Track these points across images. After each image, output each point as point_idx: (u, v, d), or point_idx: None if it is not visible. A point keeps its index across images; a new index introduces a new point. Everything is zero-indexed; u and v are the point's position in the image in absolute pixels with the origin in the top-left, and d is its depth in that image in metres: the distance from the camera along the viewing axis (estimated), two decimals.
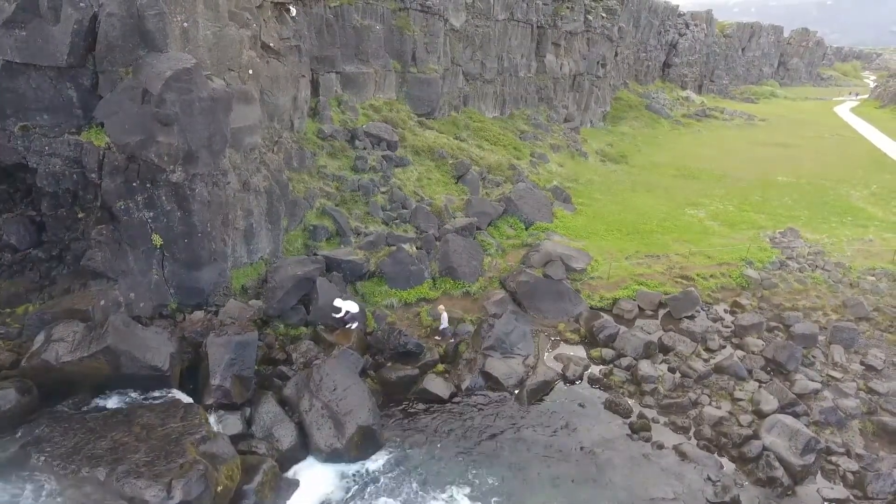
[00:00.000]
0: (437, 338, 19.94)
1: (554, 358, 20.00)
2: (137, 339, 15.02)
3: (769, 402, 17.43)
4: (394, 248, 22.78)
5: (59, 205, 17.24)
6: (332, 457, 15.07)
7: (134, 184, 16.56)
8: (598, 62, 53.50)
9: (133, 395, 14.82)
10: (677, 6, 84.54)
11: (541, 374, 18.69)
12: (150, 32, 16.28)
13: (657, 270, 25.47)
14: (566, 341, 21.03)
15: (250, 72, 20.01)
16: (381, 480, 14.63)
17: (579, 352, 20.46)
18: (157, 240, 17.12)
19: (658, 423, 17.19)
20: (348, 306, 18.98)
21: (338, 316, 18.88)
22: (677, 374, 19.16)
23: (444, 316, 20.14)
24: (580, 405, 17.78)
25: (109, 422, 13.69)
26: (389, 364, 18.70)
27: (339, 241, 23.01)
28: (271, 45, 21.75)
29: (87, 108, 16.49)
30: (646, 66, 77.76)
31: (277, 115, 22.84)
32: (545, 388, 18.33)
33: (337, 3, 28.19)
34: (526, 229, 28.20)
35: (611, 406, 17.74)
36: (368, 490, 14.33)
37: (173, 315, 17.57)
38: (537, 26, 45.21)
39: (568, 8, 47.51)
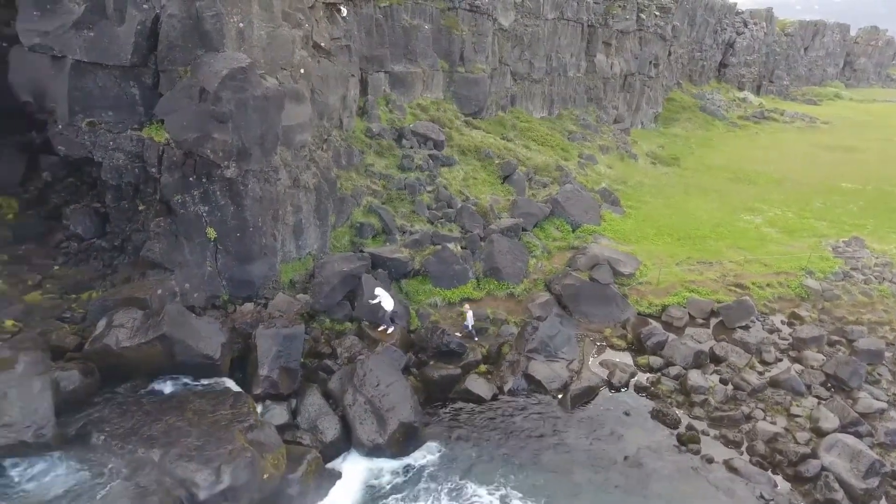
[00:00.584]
0: (457, 334, 19.82)
1: (599, 363, 19.62)
2: (191, 328, 15.55)
3: (829, 421, 16.56)
4: (438, 247, 22.84)
5: (121, 197, 18.08)
6: (373, 451, 15.21)
7: (191, 178, 17.17)
8: (650, 62, 52.26)
9: (186, 381, 15.33)
10: (735, 4, 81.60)
11: (585, 380, 18.39)
12: (207, 33, 16.85)
13: (709, 278, 24.62)
14: (612, 347, 20.59)
15: (302, 71, 20.45)
16: (422, 478, 14.65)
17: (626, 358, 19.99)
18: (212, 233, 17.69)
19: (708, 435, 16.59)
20: (384, 298, 18.88)
21: (373, 302, 18.80)
22: (729, 386, 18.44)
23: (470, 314, 20.01)
24: (626, 413, 17.37)
25: (164, 406, 14.23)
26: (432, 363, 18.71)
27: (385, 238, 23.24)
28: (322, 44, 22.18)
29: (149, 105, 17.21)
30: (700, 65, 75.41)
31: (327, 114, 23.27)
32: (589, 394, 18.01)
33: (387, 4, 28.52)
34: (573, 231, 27.77)
35: (658, 416, 17.24)
36: (408, 486, 14.37)
37: (225, 306, 18.11)
38: (588, 25, 44.53)
39: (620, 6, 46.61)
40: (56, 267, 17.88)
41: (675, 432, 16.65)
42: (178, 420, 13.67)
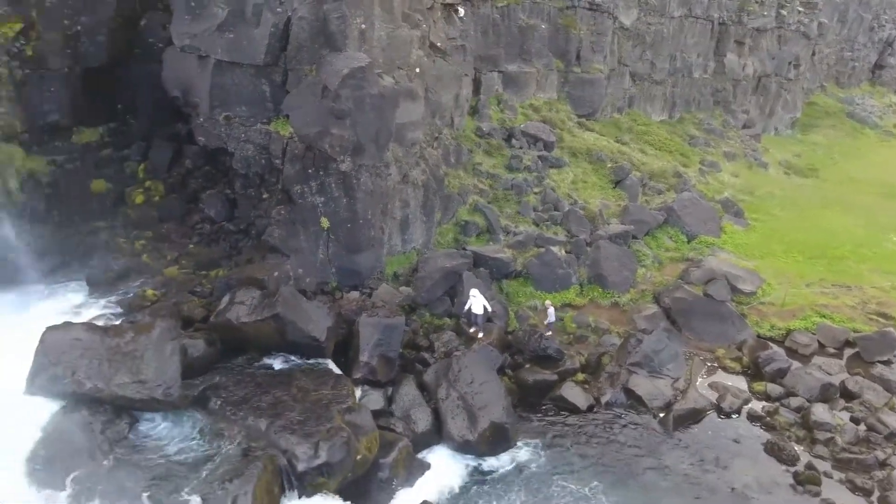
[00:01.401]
0: (545, 331, 19.31)
1: (708, 385, 18.40)
2: (302, 311, 16.55)
3: None
4: (542, 249, 22.53)
5: (248, 185, 19.75)
6: (462, 447, 15.32)
7: (309, 170, 18.31)
8: (789, 62, 47.80)
9: (294, 359, 16.35)
10: None
11: (691, 400, 17.33)
12: (332, 34, 17.86)
13: (846, 303, 22.13)
14: (724, 369, 19.23)
15: (417, 70, 21.04)
16: (508, 479, 14.55)
17: (739, 383, 18.59)
18: (325, 223, 18.73)
19: (831, 478, 15.00)
20: (475, 302, 18.60)
21: (466, 306, 18.76)
22: (862, 426, 16.55)
23: (552, 310, 19.41)
24: (734, 441, 16.18)
25: (273, 380, 15.31)
26: (528, 366, 18.53)
27: (489, 237, 23.32)
28: (438, 44, 22.68)
29: (277, 101, 18.57)
30: (851, 66, 67.72)
31: (439, 113, 23.76)
32: (695, 416, 16.97)
33: (504, 3, 28.54)
34: (688, 242, 26.18)
35: (772, 449, 15.85)
36: (494, 487, 14.32)
37: (333, 293, 19.08)
38: (719, 23, 41.67)
39: (757, 2, 43.11)
40: (191, 245, 19.89)
41: (792, 469, 15.24)
42: (284, 394, 14.65)
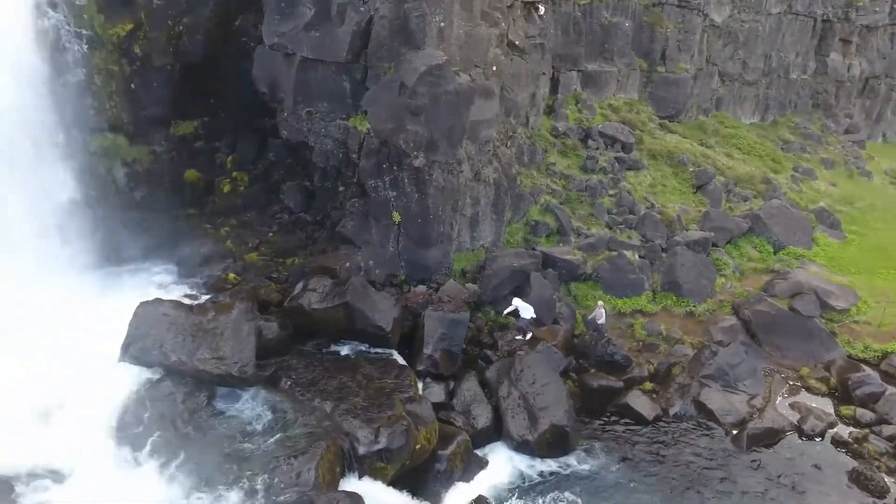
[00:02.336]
0: (592, 331, 18.92)
1: (789, 405, 17.43)
2: (370, 301, 17.06)
3: None
4: (614, 253, 21.98)
5: (326, 178, 20.56)
6: (521, 447, 15.27)
7: (384, 165, 18.79)
8: None
9: (360, 347, 16.87)
10: None
11: (769, 419, 16.49)
12: (412, 32, 18.23)
13: None
14: (808, 389, 18.15)
15: (494, 68, 21.07)
16: (564, 484, 14.36)
17: (825, 405, 17.49)
18: (396, 217, 19.15)
19: None
20: (522, 308, 18.23)
21: (509, 309, 18.47)
22: None
23: (602, 311, 18.86)
24: (815, 466, 15.22)
25: (340, 366, 15.89)
26: (593, 370, 18.21)
27: (559, 239, 23.00)
28: (517, 42, 22.59)
29: (356, 97, 19.17)
30: None
31: (514, 111, 23.67)
32: (771, 437, 16.11)
33: (587, 1, 28.01)
34: (774, 253, 24.71)
35: (858, 478, 14.77)
36: (549, 489, 14.18)
37: (401, 285, 19.50)
38: (822, 20, 38.86)
39: None
40: (271, 234, 20.96)
41: (880, 502, 14.16)
42: (349, 380, 15.19)
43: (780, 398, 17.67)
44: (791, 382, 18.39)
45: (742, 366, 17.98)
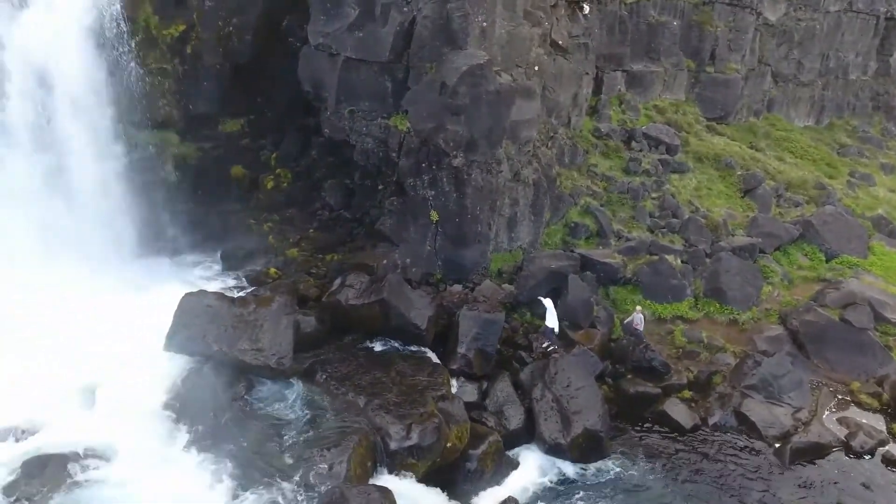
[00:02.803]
0: (629, 336, 18.61)
1: (836, 420, 16.75)
2: (406, 299, 17.21)
3: None
4: (656, 257, 21.49)
5: (366, 176, 20.86)
6: (553, 450, 15.11)
7: (423, 164, 18.91)
8: None
9: (395, 344, 17.04)
10: None
11: (814, 434, 15.86)
12: (454, 32, 18.30)
13: None
14: (858, 404, 17.40)
15: (536, 68, 20.92)
16: (596, 490, 14.13)
17: (876, 421, 16.76)
18: (434, 216, 19.25)
19: None
20: (550, 314, 17.83)
21: (538, 311, 18.27)
22: None
23: (640, 317, 18.41)
24: (864, 485, 14.61)
25: (374, 361, 16.09)
26: (629, 376, 17.88)
27: (598, 241, 22.64)
28: (560, 42, 22.35)
29: (397, 97, 19.35)
30: None
31: (556, 112, 23.43)
32: (817, 452, 15.51)
33: (634, 0, 27.50)
34: (826, 261, 23.72)
35: None
36: (581, 495, 13.99)
37: (437, 284, 19.58)
38: (885, 18, 37.06)
39: None
40: (311, 230, 21.38)
41: None
42: (383, 376, 15.37)
43: (827, 412, 17.00)
44: (840, 396, 17.68)
45: (787, 377, 17.34)
